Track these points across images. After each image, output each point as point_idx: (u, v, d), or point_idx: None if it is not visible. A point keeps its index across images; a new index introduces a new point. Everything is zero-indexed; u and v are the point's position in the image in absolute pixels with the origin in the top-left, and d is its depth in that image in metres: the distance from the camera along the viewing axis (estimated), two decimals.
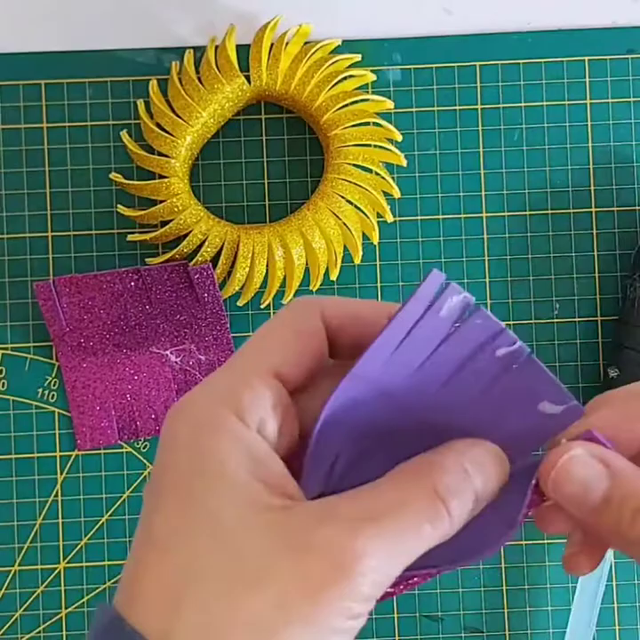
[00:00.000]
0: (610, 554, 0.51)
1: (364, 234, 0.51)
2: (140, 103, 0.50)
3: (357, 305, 0.27)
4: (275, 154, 0.52)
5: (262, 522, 0.23)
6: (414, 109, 0.52)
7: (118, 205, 0.51)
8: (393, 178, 0.51)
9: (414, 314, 0.24)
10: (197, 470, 0.23)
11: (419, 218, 0.52)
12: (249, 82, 0.50)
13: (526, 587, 0.52)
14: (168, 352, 0.51)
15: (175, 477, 0.23)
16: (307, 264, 0.50)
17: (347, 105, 0.50)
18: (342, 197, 0.49)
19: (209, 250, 0.49)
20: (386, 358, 0.25)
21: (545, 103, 0.52)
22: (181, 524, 0.23)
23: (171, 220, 0.49)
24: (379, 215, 0.51)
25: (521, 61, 0.52)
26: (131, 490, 0.51)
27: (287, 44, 0.50)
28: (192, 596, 0.22)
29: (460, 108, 0.52)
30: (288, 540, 0.22)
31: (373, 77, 0.51)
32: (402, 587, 0.26)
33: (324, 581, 0.22)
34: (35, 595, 0.51)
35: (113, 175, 0.50)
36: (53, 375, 0.51)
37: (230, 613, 0.22)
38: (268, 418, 0.24)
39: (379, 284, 0.52)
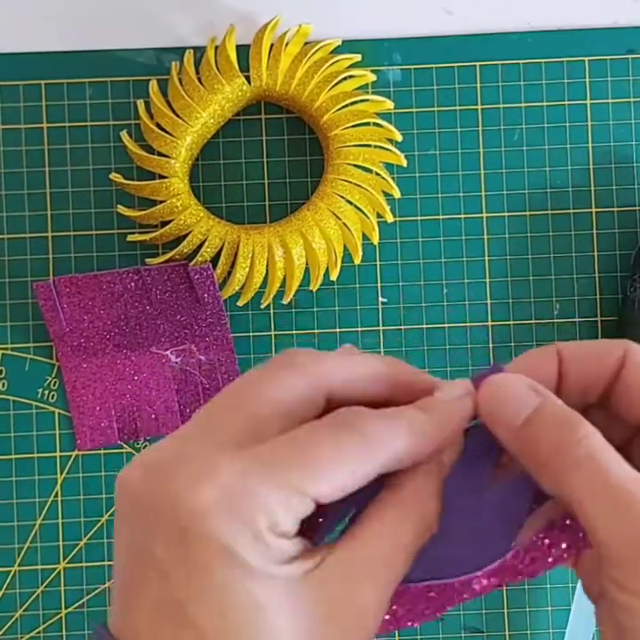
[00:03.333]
0: None
1: (363, 234, 0.51)
2: (140, 103, 0.50)
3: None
4: (275, 154, 0.52)
5: None
6: (414, 110, 0.52)
7: (118, 205, 0.51)
8: (393, 178, 0.51)
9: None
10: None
11: (419, 218, 0.52)
12: (249, 82, 0.50)
13: (526, 587, 0.52)
14: (168, 352, 0.51)
15: None
16: (307, 264, 0.50)
17: (347, 105, 0.50)
18: (342, 197, 0.49)
19: (209, 250, 0.49)
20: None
21: (545, 103, 0.52)
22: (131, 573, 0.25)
23: (171, 221, 0.49)
24: (379, 215, 0.51)
25: (521, 61, 0.52)
26: None
27: (287, 44, 0.50)
28: (136, 601, 0.24)
29: (460, 108, 0.52)
30: None
31: (373, 77, 0.51)
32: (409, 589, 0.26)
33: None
34: (35, 595, 0.51)
35: (113, 175, 0.50)
36: (53, 375, 0.51)
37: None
38: None
39: (379, 284, 0.52)
